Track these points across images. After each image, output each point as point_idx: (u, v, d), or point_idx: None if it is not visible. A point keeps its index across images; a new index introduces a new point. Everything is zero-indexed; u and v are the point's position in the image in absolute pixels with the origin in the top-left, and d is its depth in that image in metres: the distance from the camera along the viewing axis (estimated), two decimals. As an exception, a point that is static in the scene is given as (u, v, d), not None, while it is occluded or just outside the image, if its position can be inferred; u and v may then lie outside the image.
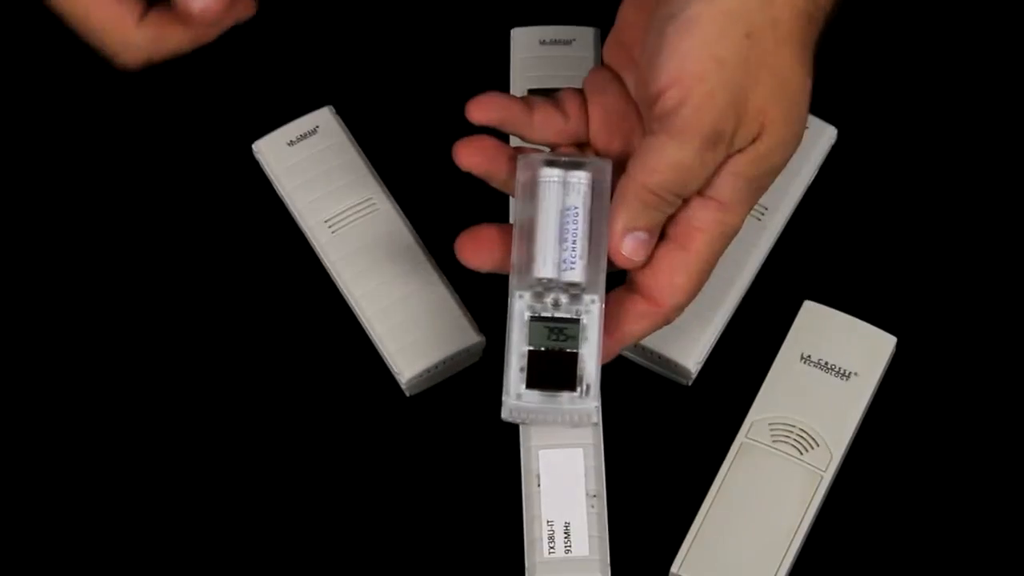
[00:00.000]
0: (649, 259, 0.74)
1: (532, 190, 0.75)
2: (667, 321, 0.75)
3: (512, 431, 0.78)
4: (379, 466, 0.82)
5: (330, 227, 0.85)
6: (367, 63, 0.92)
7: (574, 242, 0.74)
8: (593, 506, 0.76)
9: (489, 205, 0.83)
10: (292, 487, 0.82)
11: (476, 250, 0.75)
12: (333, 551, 0.81)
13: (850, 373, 0.81)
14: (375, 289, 0.84)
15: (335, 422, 0.83)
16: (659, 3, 0.73)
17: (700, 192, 0.74)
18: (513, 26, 0.91)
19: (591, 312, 0.74)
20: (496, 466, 0.81)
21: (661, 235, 0.74)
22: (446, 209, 0.84)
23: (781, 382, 0.81)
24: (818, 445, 0.80)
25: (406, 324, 0.83)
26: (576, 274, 0.74)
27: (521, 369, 0.74)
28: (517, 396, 0.74)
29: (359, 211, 0.86)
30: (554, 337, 0.74)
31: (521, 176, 0.75)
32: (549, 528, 0.76)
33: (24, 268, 0.87)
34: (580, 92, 0.77)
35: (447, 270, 0.84)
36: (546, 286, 0.74)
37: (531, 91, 0.88)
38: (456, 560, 0.80)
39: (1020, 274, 0.86)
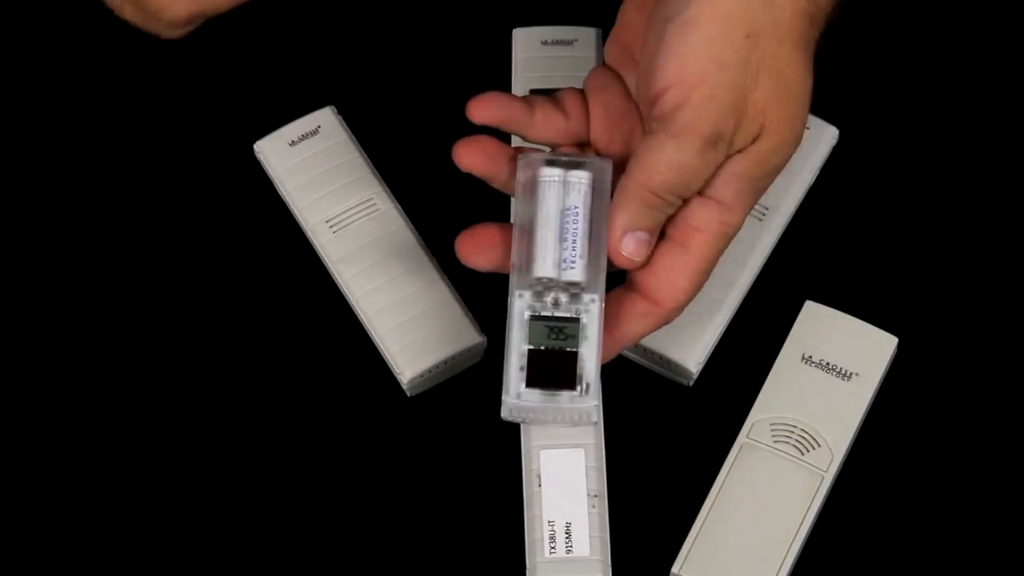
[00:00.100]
0: (649, 259, 0.74)
1: (532, 189, 0.75)
2: (667, 321, 0.75)
3: (513, 431, 0.78)
4: (380, 466, 0.82)
5: (331, 227, 0.85)
6: (369, 63, 0.92)
7: (574, 241, 0.74)
8: (594, 506, 0.76)
9: (491, 205, 0.83)
10: (293, 487, 0.82)
11: (476, 249, 0.75)
12: (333, 551, 0.81)
13: (851, 373, 0.81)
14: (376, 289, 0.84)
15: (336, 422, 0.83)
16: (659, 3, 0.73)
17: (700, 192, 0.74)
18: (515, 26, 0.91)
19: (591, 311, 0.74)
20: (497, 466, 0.81)
21: (661, 235, 0.74)
22: (447, 209, 0.84)
23: (782, 382, 0.81)
24: (819, 445, 0.80)
25: (407, 324, 0.83)
26: (576, 273, 0.74)
27: (521, 368, 0.74)
28: (517, 395, 0.74)
29: (360, 211, 0.86)
30: (554, 336, 0.74)
31: (521, 176, 0.75)
32: (550, 528, 0.76)
33: (24, 268, 0.87)
34: (581, 92, 0.77)
35: (448, 270, 0.84)
36: (546, 285, 0.74)
37: (532, 91, 0.88)
38: (456, 560, 0.80)
39: (1020, 274, 0.86)
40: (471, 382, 0.84)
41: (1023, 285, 0.86)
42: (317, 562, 0.80)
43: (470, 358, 0.84)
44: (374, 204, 0.86)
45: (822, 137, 0.87)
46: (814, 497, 0.79)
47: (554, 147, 0.77)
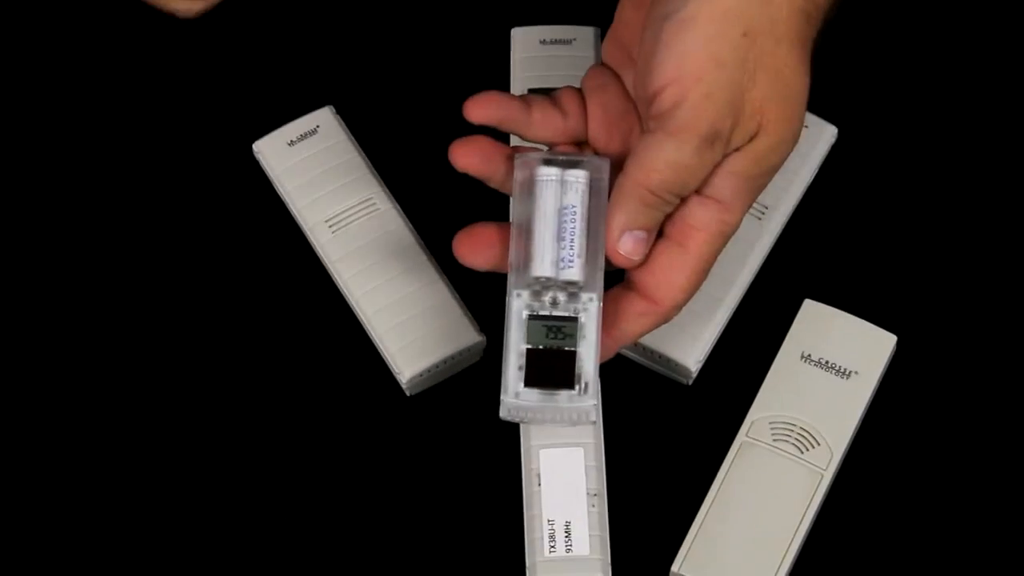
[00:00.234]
0: (647, 258, 0.74)
1: (530, 189, 0.75)
2: (666, 320, 0.75)
3: (512, 431, 0.78)
4: (379, 466, 0.82)
5: (330, 227, 0.86)
6: (367, 63, 0.92)
7: (572, 240, 0.74)
8: (594, 505, 0.76)
9: (490, 205, 0.83)
10: (292, 487, 0.82)
11: (474, 248, 0.75)
12: (333, 551, 0.81)
13: (850, 372, 0.81)
14: (375, 289, 0.84)
15: (335, 422, 0.83)
16: (656, 2, 0.73)
17: (698, 191, 0.74)
18: (513, 26, 0.91)
19: (589, 310, 0.74)
20: (496, 466, 0.81)
21: (659, 234, 0.74)
22: (446, 209, 0.84)
23: (781, 381, 0.81)
24: (819, 444, 0.80)
25: (406, 324, 0.83)
26: (574, 272, 0.74)
27: (519, 367, 0.74)
28: (515, 394, 0.74)
29: (359, 211, 0.86)
30: (552, 335, 0.74)
31: (519, 175, 0.75)
32: (550, 527, 0.76)
33: (24, 268, 0.87)
34: (579, 91, 0.77)
35: (447, 270, 0.84)
36: (544, 284, 0.74)
37: (531, 91, 0.88)
38: (456, 560, 0.80)
39: (1020, 274, 0.86)
40: (470, 382, 0.84)
41: (1022, 283, 0.86)
42: (317, 562, 0.80)
43: (469, 358, 0.84)
44: (373, 204, 0.86)
45: (821, 136, 0.87)
46: (813, 495, 0.79)
47: (552, 146, 0.77)
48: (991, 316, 0.85)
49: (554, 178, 0.75)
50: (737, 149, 0.73)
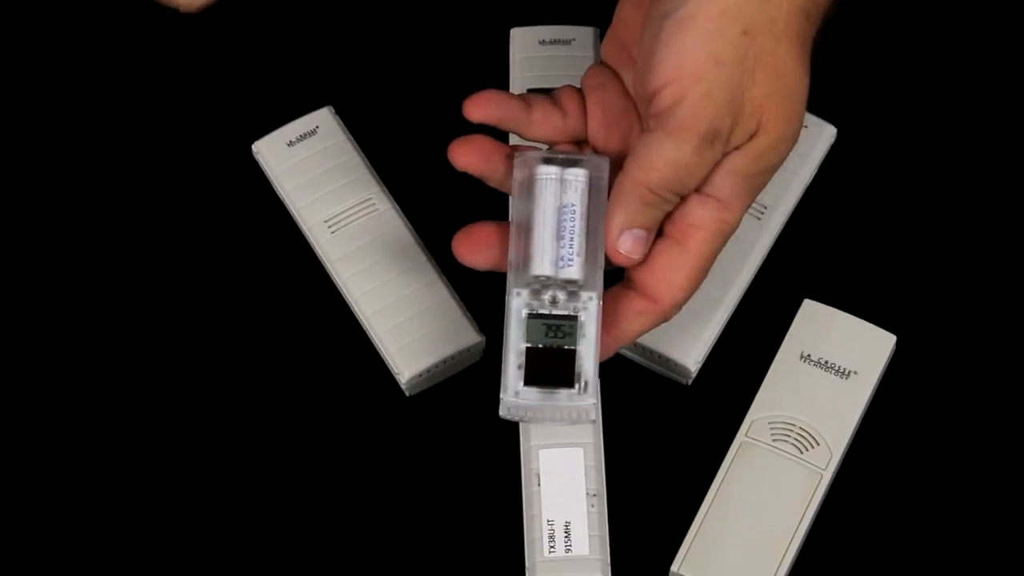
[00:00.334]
0: (647, 257, 0.74)
1: (529, 187, 0.75)
2: (665, 319, 0.75)
3: (512, 430, 0.78)
4: (379, 466, 0.82)
5: (330, 227, 0.85)
6: (367, 63, 0.92)
7: (571, 239, 0.74)
8: (593, 505, 0.76)
9: (490, 205, 0.83)
10: (292, 487, 0.82)
11: (473, 248, 0.75)
12: (333, 551, 0.81)
13: (850, 372, 0.81)
14: (375, 289, 0.84)
15: (335, 422, 0.83)
16: (656, 1, 0.73)
17: (698, 190, 0.74)
18: (513, 26, 0.91)
19: (589, 309, 0.74)
20: (496, 466, 0.81)
21: (659, 233, 0.74)
22: (446, 209, 0.84)
23: (781, 381, 0.81)
24: (818, 444, 0.80)
25: (406, 324, 0.83)
26: (573, 271, 0.74)
27: (519, 366, 0.74)
28: (515, 393, 0.74)
29: (359, 211, 0.86)
30: (552, 334, 0.74)
31: (518, 174, 0.75)
32: (549, 527, 0.76)
33: (24, 268, 0.87)
34: (578, 90, 0.77)
35: (447, 270, 0.84)
36: (544, 283, 0.74)
37: (530, 91, 0.87)
38: (456, 560, 0.80)
39: (1020, 274, 0.86)
40: (470, 381, 0.84)
41: (1021, 283, 0.86)
42: (317, 562, 0.80)
43: (469, 357, 0.84)
44: (372, 204, 0.86)
45: (820, 136, 0.87)
46: (813, 495, 0.79)
47: (551, 145, 0.77)
48: (991, 316, 0.85)
49: (554, 177, 0.75)
50: (737, 148, 0.73)
